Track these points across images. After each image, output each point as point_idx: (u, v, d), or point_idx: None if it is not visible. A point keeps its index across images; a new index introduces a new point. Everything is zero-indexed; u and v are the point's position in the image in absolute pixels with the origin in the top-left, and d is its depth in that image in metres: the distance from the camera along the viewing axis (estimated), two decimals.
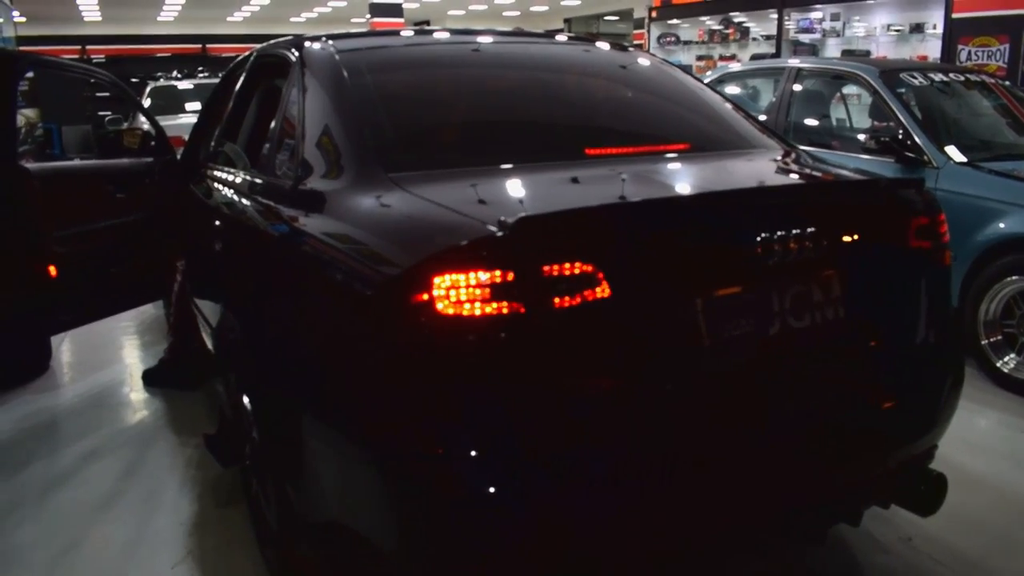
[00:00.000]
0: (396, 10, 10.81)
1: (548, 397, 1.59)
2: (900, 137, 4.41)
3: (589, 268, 1.59)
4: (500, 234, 1.56)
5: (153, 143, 4.36)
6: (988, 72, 5.81)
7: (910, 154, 4.33)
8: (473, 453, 1.57)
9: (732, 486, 1.80)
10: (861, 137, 4.81)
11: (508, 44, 2.91)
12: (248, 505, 2.63)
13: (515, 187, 2.03)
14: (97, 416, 3.78)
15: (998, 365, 3.94)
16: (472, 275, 1.53)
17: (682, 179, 2.27)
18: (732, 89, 6.13)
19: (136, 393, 4.06)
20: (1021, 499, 2.91)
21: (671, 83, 2.91)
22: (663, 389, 1.72)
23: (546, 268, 1.56)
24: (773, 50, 9.28)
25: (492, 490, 1.57)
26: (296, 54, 2.62)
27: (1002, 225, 3.91)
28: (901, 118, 4.48)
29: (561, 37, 3.21)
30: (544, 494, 1.60)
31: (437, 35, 2.99)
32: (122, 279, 4.08)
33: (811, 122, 5.37)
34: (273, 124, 2.70)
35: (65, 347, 4.75)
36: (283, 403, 2.09)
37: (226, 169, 3.12)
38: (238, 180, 2.86)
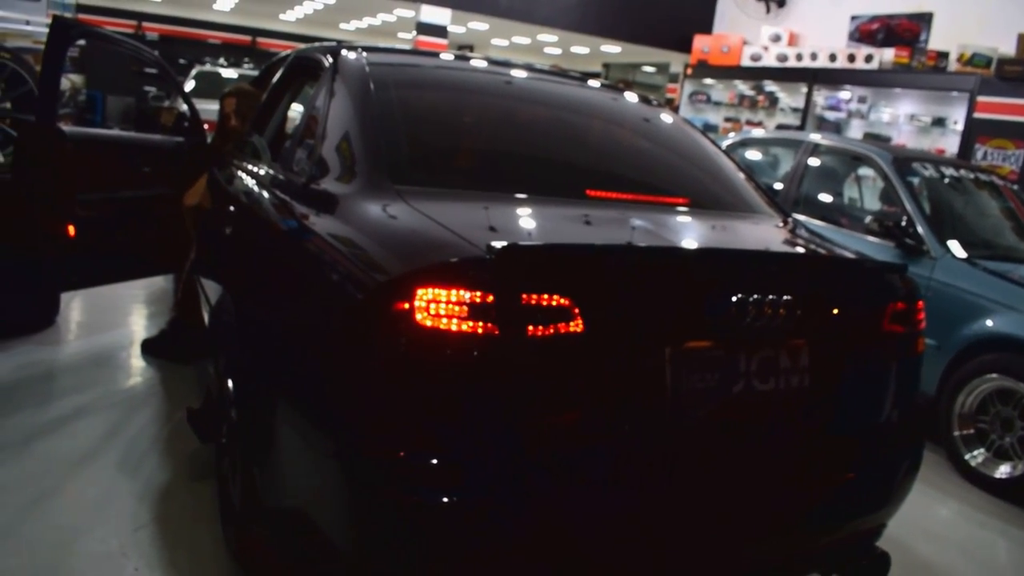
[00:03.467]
0: (441, 31, 11.05)
1: (508, 419, 1.68)
2: (903, 224, 4.52)
3: (566, 303, 1.68)
4: (487, 257, 1.66)
5: (186, 124, 4.51)
6: (1000, 174, 5.92)
7: (910, 241, 4.44)
8: (434, 461, 1.65)
9: (672, 540, 1.85)
10: (867, 219, 4.91)
11: (532, 80, 3.02)
12: (217, 482, 2.73)
13: (511, 216, 2.12)
14: (92, 375, 3.90)
15: (966, 458, 4.00)
16: (454, 292, 1.62)
17: (673, 232, 2.35)
18: (752, 153, 6.27)
19: (133, 359, 4.19)
20: None
21: (683, 140, 3.02)
22: (620, 430, 1.78)
23: (525, 296, 1.65)
24: (799, 122, 9.45)
25: (445, 499, 1.64)
26: (330, 60, 2.74)
27: (989, 323, 4.00)
28: (906, 205, 4.59)
29: (593, 82, 3.32)
30: (493, 508, 1.68)
31: (468, 62, 3.11)
32: (137, 249, 4.22)
33: (821, 196, 5.49)
34: (297, 123, 2.83)
35: (74, 305, 4.88)
36: (263, 388, 2.18)
37: (248, 159, 3.26)
38: (256, 171, 2.99)
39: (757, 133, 6.82)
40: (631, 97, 3.27)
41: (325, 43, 3.10)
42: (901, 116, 8.67)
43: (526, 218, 2.16)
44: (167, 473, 3.02)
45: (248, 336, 2.38)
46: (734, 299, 1.86)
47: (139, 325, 4.79)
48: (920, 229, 4.46)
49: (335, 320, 1.85)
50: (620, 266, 1.83)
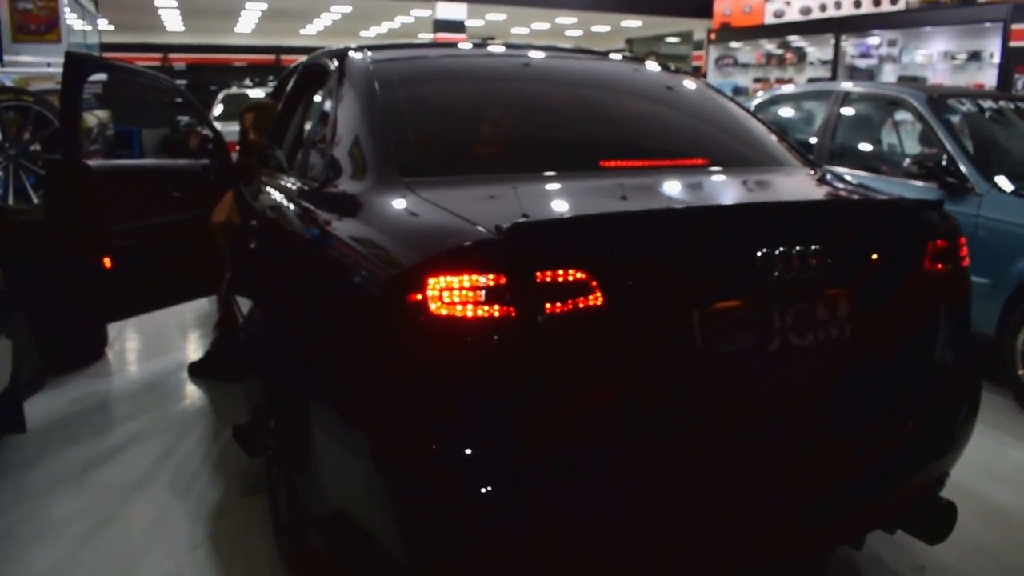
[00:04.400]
0: (459, 27, 11.06)
1: (538, 401, 1.63)
2: (944, 163, 4.36)
3: (583, 276, 1.62)
4: (497, 238, 1.61)
5: (210, 146, 4.56)
6: None
7: (952, 180, 4.28)
8: (468, 452, 1.62)
9: (718, 515, 1.79)
10: (906, 162, 4.74)
11: (535, 59, 2.97)
12: (268, 494, 2.75)
13: (522, 195, 2.07)
14: (143, 401, 3.97)
15: None
16: (465, 277, 1.58)
17: (691, 192, 2.28)
18: (784, 110, 6.13)
19: (182, 383, 4.25)
20: None
21: (698, 100, 2.94)
22: (655, 400, 1.73)
23: (539, 274, 1.60)
24: (829, 74, 9.21)
25: (484, 490, 1.61)
26: (336, 64, 2.73)
27: None
28: (946, 144, 4.43)
29: (610, 55, 3.24)
30: (536, 494, 1.64)
31: (474, 49, 3.07)
32: (174, 273, 4.27)
33: (858, 145, 5.32)
34: (308, 129, 2.83)
35: (122, 336, 4.99)
36: (294, 395, 2.17)
37: (268, 169, 3.28)
38: (275, 180, 3.01)
39: (786, 89, 6.64)
40: (641, 64, 3.19)
41: (331, 48, 3.08)
42: (935, 55, 8.41)
43: (538, 195, 2.11)
44: (220, 491, 3.06)
45: (277, 343, 2.38)
46: (760, 253, 1.79)
47: (187, 348, 4.87)
48: (962, 167, 4.30)
49: (355, 319, 1.83)
50: (635, 233, 1.77)
